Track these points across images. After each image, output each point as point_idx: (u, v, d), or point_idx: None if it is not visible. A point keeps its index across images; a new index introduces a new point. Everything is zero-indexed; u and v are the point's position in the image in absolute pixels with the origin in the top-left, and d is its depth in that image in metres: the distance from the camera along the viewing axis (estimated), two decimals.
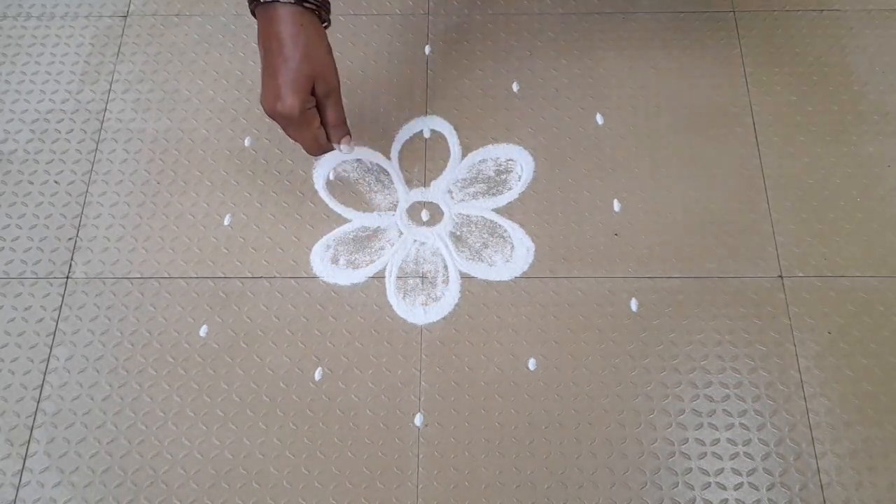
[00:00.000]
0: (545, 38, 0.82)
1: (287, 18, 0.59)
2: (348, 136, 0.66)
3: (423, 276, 0.71)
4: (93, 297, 0.70)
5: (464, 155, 0.76)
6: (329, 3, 0.62)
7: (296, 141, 0.63)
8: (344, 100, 0.64)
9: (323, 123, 0.63)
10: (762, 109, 0.78)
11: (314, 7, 0.60)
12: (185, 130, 0.78)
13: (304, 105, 0.60)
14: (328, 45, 0.62)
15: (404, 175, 0.75)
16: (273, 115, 0.60)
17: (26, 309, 0.70)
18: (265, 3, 0.59)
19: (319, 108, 0.62)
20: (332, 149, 0.66)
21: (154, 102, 0.80)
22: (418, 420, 0.65)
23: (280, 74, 0.59)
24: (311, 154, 0.66)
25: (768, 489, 0.62)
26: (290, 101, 0.59)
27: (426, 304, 0.70)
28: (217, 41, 0.83)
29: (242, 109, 0.79)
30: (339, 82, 0.63)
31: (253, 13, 0.61)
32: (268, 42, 0.59)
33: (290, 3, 0.58)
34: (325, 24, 0.62)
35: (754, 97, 0.79)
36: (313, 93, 0.61)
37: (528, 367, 0.67)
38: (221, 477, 0.64)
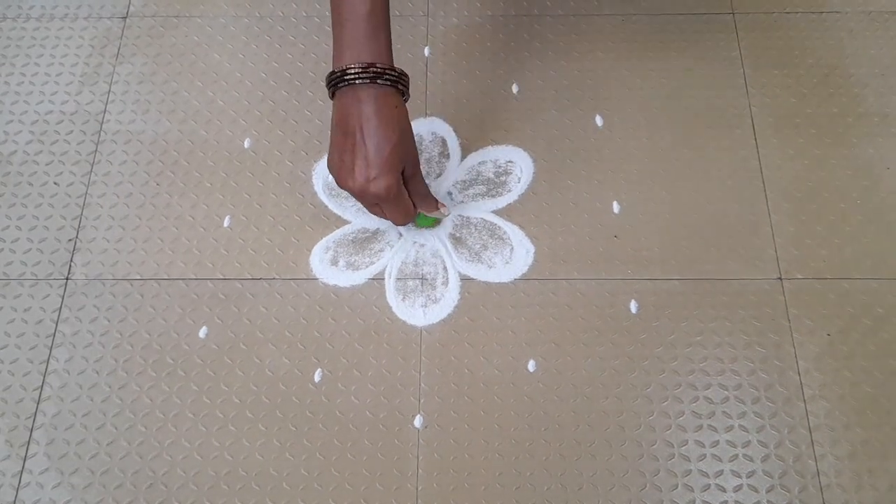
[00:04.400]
0: (544, 40, 0.82)
1: (381, 100, 0.59)
2: (441, 203, 0.69)
3: (422, 278, 0.71)
4: (92, 298, 0.70)
5: (463, 157, 0.76)
6: (408, 79, 0.62)
7: (381, 215, 0.66)
8: None
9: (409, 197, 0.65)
10: (761, 111, 0.78)
11: (405, 89, 0.61)
12: (185, 132, 0.78)
13: (400, 184, 0.61)
14: (409, 122, 0.62)
15: None
16: (364, 193, 0.60)
17: (26, 310, 0.70)
18: (353, 83, 0.58)
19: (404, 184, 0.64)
20: (413, 219, 0.69)
21: (154, 104, 0.80)
22: (418, 422, 0.65)
23: (373, 155, 0.59)
24: (397, 224, 0.68)
25: (768, 491, 0.62)
26: (386, 181, 0.59)
27: (426, 306, 0.70)
28: (217, 43, 0.83)
29: (242, 111, 0.79)
30: (419, 162, 0.65)
31: (333, 91, 0.61)
32: (354, 121, 0.59)
33: (385, 84, 0.58)
34: (406, 98, 0.62)
35: (754, 99, 0.79)
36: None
37: (527, 369, 0.67)
38: (221, 478, 0.64)
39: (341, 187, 0.62)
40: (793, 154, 0.76)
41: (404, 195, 0.64)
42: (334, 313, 0.70)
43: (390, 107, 0.59)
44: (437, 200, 0.69)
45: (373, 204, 0.63)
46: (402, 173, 0.63)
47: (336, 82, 0.59)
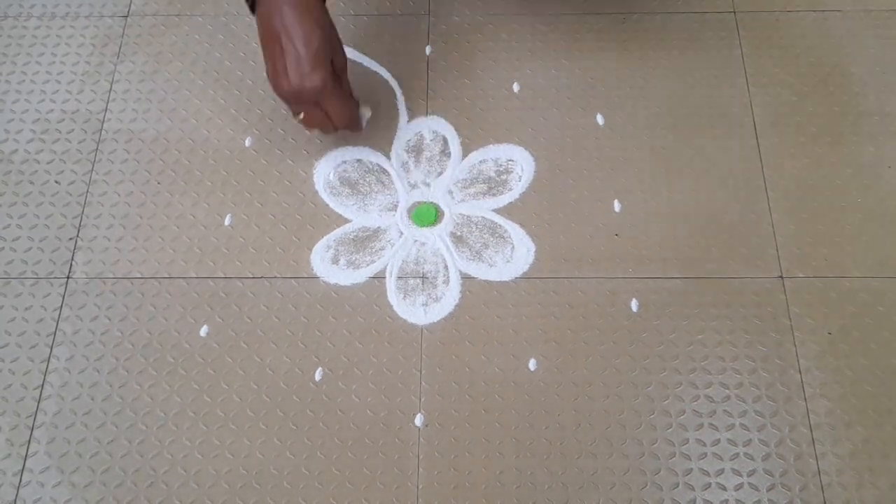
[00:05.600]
0: (546, 39, 0.82)
1: (301, 4, 0.61)
2: (363, 104, 0.72)
3: (423, 277, 0.71)
4: (93, 297, 0.70)
5: (464, 155, 0.76)
6: None
7: (323, 125, 0.67)
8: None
9: None
10: (762, 110, 0.78)
11: None
12: (186, 130, 0.78)
13: (331, 77, 0.63)
14: (332, 22, 0.65)
15: (405, 175, 0.75)
16: (300, 91, 0.63)
17: (27, 309, 0.70)
18: None
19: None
20: (360, 121, 0.70)
21: (155, 102, 0.80)
22: (419, 420, 0.65)
23: (303, 52, 0.61)
24: (342, 125, 0.68)
25: (769, 490, 0.62)
26: (319, 74, 0.62)
27: (426, 305, 0.70)
28: (218, 41, 0.83)
29: (243, 110, 0.79)
30: (346, 66, 0.67)
31: (252, 3, 0.64)
32: (278, 26, 0.62)
33: None
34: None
35: (755, 97, 0.79)
36: None
37: (528, 368, 0.67)
38: (221, 477, 0.64)
39: (279, 95, 0.64)
40: (793, 152, 0.76)
41: (341, 89, 0.66)
42: (335, 312, 0.70)
43: (310, 8, 0.62)
44: (358, 101, 0.70)
45: (312, 104, 0.64)
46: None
47: None
